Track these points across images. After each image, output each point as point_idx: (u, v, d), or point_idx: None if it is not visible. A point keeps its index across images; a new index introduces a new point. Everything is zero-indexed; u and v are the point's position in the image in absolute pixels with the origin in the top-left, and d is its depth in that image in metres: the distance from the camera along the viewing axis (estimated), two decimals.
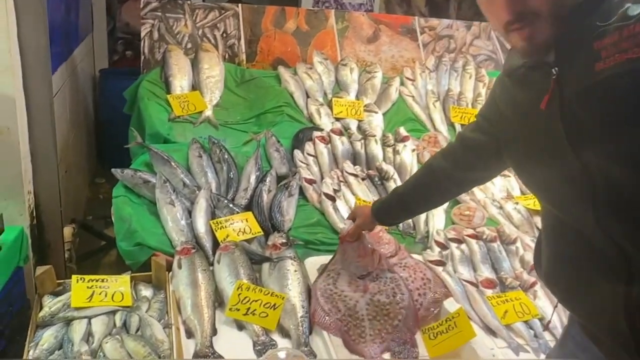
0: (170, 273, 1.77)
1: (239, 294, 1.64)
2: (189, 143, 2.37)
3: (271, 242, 1.91)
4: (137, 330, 1.57)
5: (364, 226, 1.71)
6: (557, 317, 1.83)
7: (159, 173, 2.14)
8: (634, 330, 0.99)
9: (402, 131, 2.62)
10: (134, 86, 2.78)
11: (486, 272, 1.99)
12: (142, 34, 2.98)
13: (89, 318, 1.57)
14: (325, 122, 2.69)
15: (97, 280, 1.66)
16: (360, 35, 3.19)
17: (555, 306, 1.46)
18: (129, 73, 3.29)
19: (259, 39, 3.08)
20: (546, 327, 1.72)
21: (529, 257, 2.04)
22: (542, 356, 1.66)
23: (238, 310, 1.63)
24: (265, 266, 1.82)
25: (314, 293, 1.70)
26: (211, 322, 1.61)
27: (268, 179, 2.24)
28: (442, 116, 2.88)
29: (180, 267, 1.75)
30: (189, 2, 3.13)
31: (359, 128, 2.70)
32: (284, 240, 1.89)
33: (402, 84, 2.99)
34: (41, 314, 1.59)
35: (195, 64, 2.84)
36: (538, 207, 2.31)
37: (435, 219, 2.20)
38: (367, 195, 2.28)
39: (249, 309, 1.63)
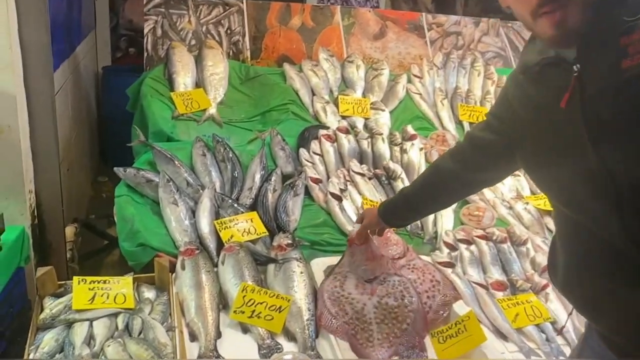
0: (174, 274, 1.75)
1: (244, 296, 1.62)
2: (193, 141, 2.35)
3: (276, 243, 1.88)
4: (140, 333, 1.55)
5: (371, 226, 1.68)
6: (569, 319, 1.79)
7: (162, 172, 2.12)
8: None
9: (410, 129, 2.59)
10: (136, 83, 2.76)
11: (496, 274, 1.96)
12: (145, 31, 2.96)
13: (91, 320, 1.55)
14: (331, 120, 2.67)
15: (98, 282, 1.65)
16: (367, 32, 3.17)
17: (570, 313, 1.42)
18: (132, 70, 3.26)
19: (264, 36, 3.07)
20: (560, 332, 1.68)
21: (540, 258, 2.01)
22: None
23: (243, 312, 1.60)
24: (271, 267, 1.80)
25: (320, 295, 1.67)
26: (215, 324, 1.58)
27: (273, 178, 2.22)
28: (450, 114, 2.85)
29: (183, 268, 1.73)
30: None
31: (366, 126, 2.67)
32: (290, 241, 1.87)
33: (409, 81, 2.97)
34: (42, 316, 1.57)
35: (199, 61, 2.82)
36: (549, 207, 2.30)
37: (444, 220, 2.16)
38: (374, 195, 2.25)
39: (253, 311, 1.60)
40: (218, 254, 1.83)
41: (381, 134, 2.54)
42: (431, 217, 2.15)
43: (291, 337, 1.61)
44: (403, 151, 2.49)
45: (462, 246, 2.04)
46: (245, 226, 1.97)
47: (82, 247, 2.62)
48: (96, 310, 1.57)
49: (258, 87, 2.82)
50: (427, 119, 2.83)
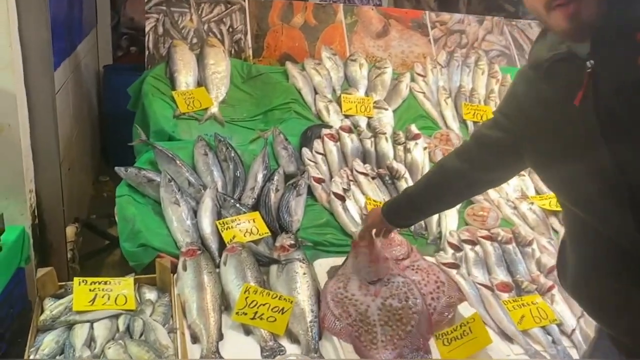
0: (175, 275, 1.73)
1: (246, 298, 1.61)
2: (195, 141, 2.33)
3: (279, 244, 1.86)
4: (141, 335, 1.54)
5: (374, 226, 1.66)
6: (574, 319, 1.78)
7: (163, 172, 2.10)
8: None
9: (414, 129, 2.57)
10: (138, 82, 2.74)
11: (501, 275, 1.94)
12: (147, 29, 2.94)
13: (91, 322, 1.55)
14: (334, 119, 2.65)
15: (99, 283, 1.64)
16: (370, 30, 3.15)
17: (580, 317, 1.39)
18: (133, 69, 3.24)
19: (266, 34, 3.05)
20: (569, 335, 1.66)
21: (546, 259, 2.00)
22: None
23: (245, 314, 1.59)
24: (273, 268, 1.78)
25: (323, 297, 1.66)
26: (217, 326, 1.57)
27: (276, 178, 2.20)
28: (454, 113, 2.83)
29: (185, 269, 1.72)
30: None
31: (369, 125, 2.65)
32: (293, 242, 1.85)
33: (412, 80, 2.95)
34: (42, 317, 1.56)
35: (200, 60, 2.80)
36: (554, 207, 2.28)
37: (448, 220, 2.14)
38: (377, 194, 2.24)
39: (256, 313, 1.59)
40: (220, 255, 1.82)
41: (384, 133, 2.52)
42: (435, 217, 2.13)
43: (294, 339, 1.60)
44: (407, 150, 2.47)
45: (467, 247, 2.02)
46: (247, 226, 1.96)
47: (83, 247, 2.60)
48: (97, 312, 1.56)
49: (260, 86, 2.81)
50: (431, 118, 2.81)
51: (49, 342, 1.49)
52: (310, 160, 2.36)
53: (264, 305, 1.59)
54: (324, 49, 2.97)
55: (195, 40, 2.95)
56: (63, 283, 1.69)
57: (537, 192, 2.41)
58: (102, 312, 1.56)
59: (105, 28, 3.98)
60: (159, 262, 1.73)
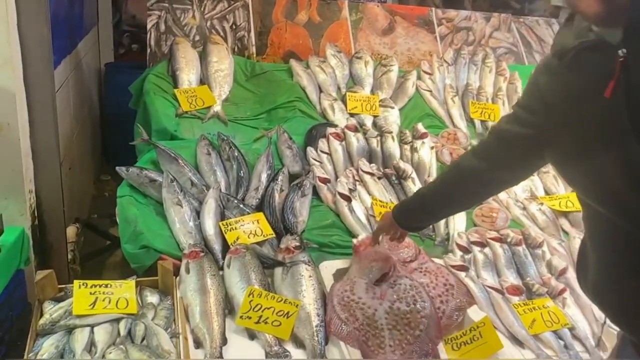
0: (178, 278, 1.71)
1: (251, 301, 1.59)
2: (197, 140, 2.31)
3: (284, 246, 1.84)
4: (143, 339, 1.51)
5: (384, 229, 1.63)
6: (587, 324, 1.75)
7: (165, 172, 2.08)
8: None
9: (421, 127, 2.53)
10: (139, 80, 2.71)
11: (511, 278, 1.91)
12: (148, 26, 2.92)
13: (92, 326, 1.52)
14: (339, 117, 2.62)
15: (100, 286, 1.62)
16: (375, 27, 3.12)
17: (604, 323, 1.35)
18: (135, 67, 3.22)
19: (270, 31, 3.02)
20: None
21: (556, 261, 1.97)
22: None
23: (249, 318, 1.57)
24: (278, 271, 1.76)
25: (330, 300, 1.64)
26: (221, 331, 1.56)
27: (280, 178, 2.17)
28: (461, 112, 2.80)
29: (188, 271, 1.70)
30: None
31: (374, 124, 2.62)
32: (298, 244, 1.82)
33: (419, 78, 2.92)
34: (41, 321, 1.54)
35: (203, 57, 2.77)
36: (564, 208, 2.24)
37: (456, 221, 2.11)
38: (383, 195, 2.20)
39: (261, 317, 1.57)
40: (223, 257, 1.80)
41: (391, 132, 2.49)
42: None
43: (300, 343, 1.58)
44: (413, 150, 2.44)
45: (476, 248, 1.98)
46: (251, 227, 1.94)
47: (84, 247, 2.58)
48: (97, 316, 1.54)
49: (264, 84, 2.78)
50: (438, 117, 2.78)
51: (48, 346, 1.46)
52: (315, 160, 2.33)
53: (268, 309, 1.57)
54: (329, 47, 2.94)
55: (197, 38, 2.93)
56: (63, 286, 1.67)
57: (546, 192, 2.38)
58: (103, 316, 1.54)
59: (107, 25, 3.96)
60: (161, 264, 1.71)
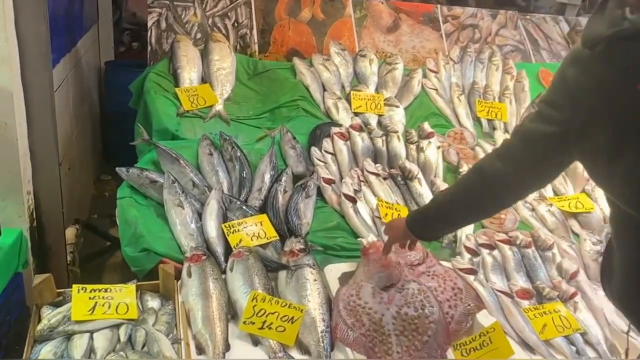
0: (179, 282, 1.68)
1: (254, 306, 1.56)
2: (199, 140, 2.27)
3: (288, 248, 1.80)
4: (143, 346, 1.49)
5: (397, 240, 1.58)
6: (599, 328, 1.71)
7: (166, 172, 2.04)
8: None
9: (427, 127, 2.50)
10: (140, 79, 2.68)
11: (521, 281, 1.88)
12: (149, 24, 2.88)
13: (91, 332, 1.50)
14: (344, 117, 2.58)
15: (99, 290, 1.59)
16: (380, 25, 3.08)
17: (628, 331, 1.30)
18: (135, 65, 3.19)
19: (272, 29, 2.97)
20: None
21: (567, 264, 1.94)
22: None
23: (253, 323, 1.55)
24: (282, 275, 1.72)
25: (335, 305, 1.62)
26: (224, 336, 1.53)
27: (283, 179, 2.14)
28: (467, 111, 2.76)
29: (190, 275, 1.66)
30: None
31: (379, 123, 2.59)
32: (302, 246, 1.79)
33: (424, 76, 2.88)
34: (39, 327, 1.51)
35: (205, 55, 2.73)
36: (573, 209, 2.20)
37: None
38: (389, 195, 2.17)
39: (264, 322, 1.54)
40: (226, 260, 1.77)
41: (396, 132, 2.46)
42: None
43: (305, 350, 1.55)
44: (419, 150, 2.40)
45: (484, 251, 1.95)
46: (254, 230, 1.90)
47: (83, 248, 2.55)
48: (97, 321, 1.51)
49: (267, 83, 2.75)
50: (444, 116, 2.75)
51: (46, 353, 1.44)
52: (320, 160, 2.30)
53: (272, 314, 1.54)
54: (333, 44, 2.90)
55: (199, 36, 2.89)
56: (62, 290, 1.64)
57: (555, 193, 2.35)
58: (103, 321, 1.51)
59: (107, 23, 3.92)
60: (162, 268, 1.68)
